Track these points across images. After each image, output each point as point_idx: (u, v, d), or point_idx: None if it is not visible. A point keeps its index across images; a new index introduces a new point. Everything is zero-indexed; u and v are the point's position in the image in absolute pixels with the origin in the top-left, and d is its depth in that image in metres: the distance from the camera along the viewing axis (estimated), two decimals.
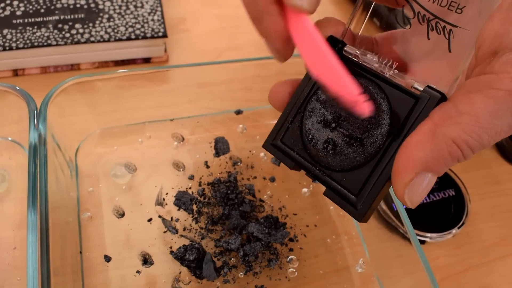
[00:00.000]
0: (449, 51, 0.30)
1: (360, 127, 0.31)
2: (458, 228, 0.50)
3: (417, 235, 0.48)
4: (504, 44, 0.26)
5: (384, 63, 0.32)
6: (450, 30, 0.30)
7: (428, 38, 0.31)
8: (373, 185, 0.31)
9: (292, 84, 0.35)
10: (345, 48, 0.33)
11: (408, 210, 0.50)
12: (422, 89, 0.29)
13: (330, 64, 0.30)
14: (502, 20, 0.27)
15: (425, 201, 0.52)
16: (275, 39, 0.32)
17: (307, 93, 0.34)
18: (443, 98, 0.29)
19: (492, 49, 0.27)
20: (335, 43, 0.33)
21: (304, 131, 0.34)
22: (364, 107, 0.29)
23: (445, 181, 0.53)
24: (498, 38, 0.27)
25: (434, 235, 0.49)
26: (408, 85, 0.30)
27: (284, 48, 0.33)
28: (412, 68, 0.33)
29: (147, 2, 0.60)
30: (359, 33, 0.34)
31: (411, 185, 0.28)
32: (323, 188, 0.33)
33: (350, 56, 0.33)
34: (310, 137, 0.33)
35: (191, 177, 0.49)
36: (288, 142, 0.35)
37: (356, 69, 0.32)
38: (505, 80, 0.26)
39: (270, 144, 0.36)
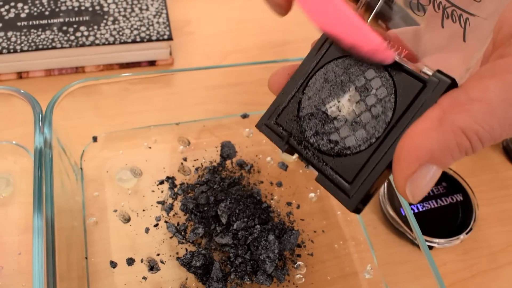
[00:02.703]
0: (464, 40, 0.29)
1: (361, 110, 0.30)
2: (466, 233, 0.49)
3: (425, 240, 0.48)
4: None
5: (393, 48, 0.30)
6: (467, 18, 0.28)
7: (442, 26, 0.30)
8: (370, 172, 0.28)
9: (293, 68, 0.34)
10: None
11: (415, 215, 0.50)
12: (431, 73, 0.27)
13: (343, 12, 0.28)
14: None
15: (432, 206, 0.51)
16: None
17: (306, 74, 0.33)
18: (453, 83, 0.27)
19: (509, 32, 0.25)
20: None
21: (300, 112, 0.32)
22: (387, 54, 0.27)
23: (453, 186, 0.53)
24: None
25: (441, 240, 0.48)
26: (417, 69, 0.28)
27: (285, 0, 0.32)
28: (423, 61, 0.31)
29: (152, 5, 0.59)
30: None
31: (414, 177, 0.25)
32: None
33: None
34: (306, 118, 0.32)
35: (198, 182, 0.49)
36: (283, 123, 0.33)
37: None
38: None
39: (263, 124, 0.34)
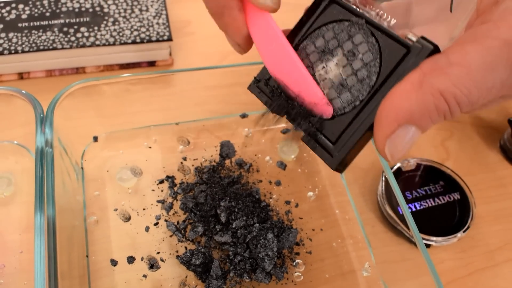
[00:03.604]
0: (451, 11, 0.29)
1: (347, 74, 0.31)
2: (463, 231, 0.50)
3: (422, 239, 0.48)
4: None
5: (383, 17, 0.31)
6: None
7: (451, 11, 0.30)
8: (353, 133, 0.30)
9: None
10: None
11: (413, 214, 0.50)
12: (415, 39, 0.28)
13: (292, 64, 0.30)
14: None
15: (430, 205, 0.52)
16: (235, 34, 0.32)
17: (298, 38, 0.34)
18: (436, 49, 0.27)
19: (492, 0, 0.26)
20: None
21: None
22: (326, 109, 0.29)
23: (450, 185, 0.53)
24: None
25: (439, 238, 0.49)
26: (402, 35, 0.29)
27: (244, 42, 0.33)
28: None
29: (152, 6, 0.60)
30: None
31: (393, 137, 0.26)
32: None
33: (348, 3, 0.32)
34: None
35: (197, 181, 0.49)
36: (273, 85, 0.34)
37: (350, 12, 0.32)
38: (502, 28, 0.24)
39: (255, 86, 0.36)
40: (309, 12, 0.34)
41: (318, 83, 0.32)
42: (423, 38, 0.28)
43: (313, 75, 0.32)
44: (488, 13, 0.25)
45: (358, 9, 0.32)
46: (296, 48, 0.34)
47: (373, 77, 0.30)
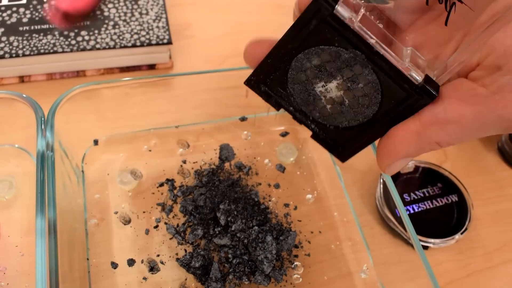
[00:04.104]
0: (445, 24, 0.30)
1: (349, 98, 0.32)
2: (461, 233, 0.50)
3: (420, 240, 0.49)
4: (510, 65, 0.27)
5: (383, 46, 0.29)
6: (454, 3, 0.29)
7: (427, 4, 0.30)
8: (358, 144, 0.34)
9: (269, 46, 0.33)
10: (338, 8, 0.28)
11: (411, 216, 0.50)
12: (419, 80, 0.29)
13: None
14: None
15: (428, 207, 0.52)
16: None
17: (292, 50, 0.32)
18: (433, 98, 0.29)
19: (497, 63, 0.28)
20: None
21: (288, 84, 0.33)
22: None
23: (448, 187, 0.54)
24: (507, 56, 0.27)
25: (437, 240, 0.49)
26: (405, 69, 0.29)
27: None
28: (406, 33, 0.32)
29: (152, 9, 0.60)
30: None
31: (391, 165, 0.32)
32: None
33: (343, 20, 0.29)
34: (295, 90, 0.33)
35: (197, 184, 0.50)
36: (272, 89, 0.35)
37: (345, 40, 0.30)
38: (500, 104, 0.27)
39: (255, 85, 0.35)
40: (298, 26, 0.31)
41: (320, 98, 0.33)
42: (425, 81, 0.29)
43: (313, 89, 0.33)
44: (489, 74, 0.28)
45: (353, 34, 0.29)
46: (290, 60, 0.32)
47: (375, 107, 0.31)
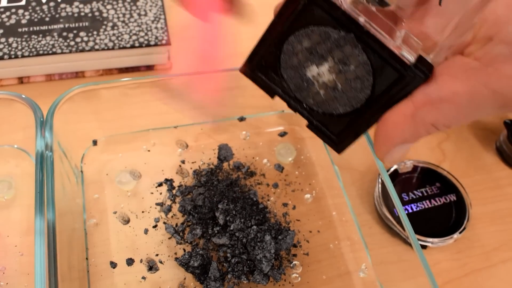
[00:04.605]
0: (440, 4, 0.29)
1: (341, 81, 0.31)
2: (460, 233, 0.50)
3: (419, 240, 0.49)
4: (501, 35, 0.26)
5: (372, 25, 0.29)
6: None
7: None
8: (354, 132, 0.33)
9: None
10: None
11: (409, 215, 0.51)
12: (411, 59, 0.28)
13: None
14: (506, 7, 0.26)
15: (426, 207, 0.52)
16: None
17: (282, 33, 0.32)
18: (429, 74, 0.28)
19: (489, 34, 0.27)
20: None
21: (281, 69, 0.33)
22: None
23: (446, 187, 0.54)
24: (497, 25, 0.26)
25: (435, 240, 0.49)
26: (397, 48, 0.29)
27: None
28: (398, 15, 0.32)
29: (150, 10, 0.60)
30: None
31: (390, 153, 0.30)
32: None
33: (336, 2, 0.29)
34: (289, 76, 0.33)
35: (195, 184, 0.50)
36: (266, 75, 0.34)
37: (334, 20, 0.29)
38: (492, 78, 0.26)
39: (250, 71, 0.34)
40: (287, 7, 0.31)
41: (313, 83, 0.32)
42: (418, 60, 0.28)
43: (305, 74, 0.32)
44: (482, 46, 0.27)
45: (342, 13, 0.29)
46: (281, 43, 0.32)
47: (368, 90, 0.31)
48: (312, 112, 0.34)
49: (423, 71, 0.28)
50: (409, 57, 0.29)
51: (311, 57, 0.31)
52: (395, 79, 0.29)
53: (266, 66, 0.34)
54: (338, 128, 0.34)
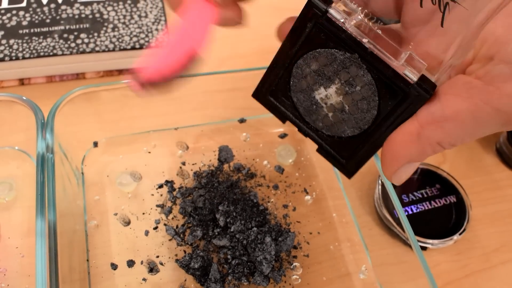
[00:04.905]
0: (442, 25, 0.29)
1: (349, 103, 0.32)
2: (460, 234, 0.50)
3: (419, 241, 0.49)
4: (501, 54, 0.26)
5: (376, 46, 0.30)
6: (447, 3, 0.29)
7: (421, 6, 0.30)
8: (362, 155, 0.34)
9: None
10: (330, 11, 0.30)
11: (409, 217, 0.51)
12: (414, 79, 0.29)
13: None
14: (505, 27, 0.27)
15: (426, 208, 0.52)
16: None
17: (290, 57, 0.33)
18: (430, 95, 0.29)
19: (489, 53, 0.27)
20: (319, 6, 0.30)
21: (291, 92, 0.34)
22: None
23: (446, 188, 0.54)
24: (497, 45, 0.27)
25: (435, 241, 0.49)
26: (400, 67, 0.29)
27: None
28: (403, 36, 0.32)
29: (151, 12, 0.61)
30: None
31: (398, 172, 0.31)
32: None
33: (336, 22, 0.30)
34: (299, 100, 0.34)
35: (196, 185, 0.50)
36: (277, 99, 0.36)
37: (339, 40, 0.30)
38: (494, 96, 0.26)
39: (262, 96, 0.36)
40: (295, 31, 0.32)
41: (321, 106, 0.33)
42: (420, 80, 0.29)
43: (314, 97, 0.33)
44: (483, 65, 0.27)
45: (346, 35, 0.30)
46: (291, 67, 0.33)
47: (374, 111, 0.31)
48: (321, 136, 0.35)
49: (426, 89, 0.29)
50: (412, 76, 0.29)
51: (319, 79, 0.32)
52: (399, 99, 0.30)
53: (277, 90, 0.35)
54: (347, 151, 0.34)
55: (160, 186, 0.50)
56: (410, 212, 0.51)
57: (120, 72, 0.59)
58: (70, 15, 0.59)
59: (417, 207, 0.52)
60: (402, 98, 0.30)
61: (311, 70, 0.32)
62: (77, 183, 0.48)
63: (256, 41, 0.64)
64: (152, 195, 0.49)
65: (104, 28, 0.58)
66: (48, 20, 0.58)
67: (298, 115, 0.35)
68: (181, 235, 0.47)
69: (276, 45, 0.35)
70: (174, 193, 0.50)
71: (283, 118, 0.36)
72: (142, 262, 0.45)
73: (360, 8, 0.31)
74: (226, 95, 0.55)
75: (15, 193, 0.48)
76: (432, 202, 0.53)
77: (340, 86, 0.32)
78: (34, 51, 0.55)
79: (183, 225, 0.47)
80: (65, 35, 0.57)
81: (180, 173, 0.51)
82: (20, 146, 0.50)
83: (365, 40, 0.30)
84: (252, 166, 0.53)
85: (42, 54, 0.55)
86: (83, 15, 0.59)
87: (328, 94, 0.32)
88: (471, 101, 0.27)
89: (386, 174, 0.31)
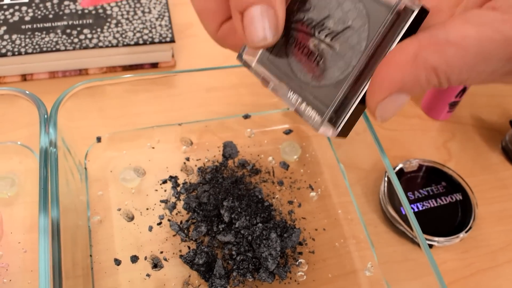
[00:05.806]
0: None
1: (341, 41, 0.30)
2: (466, 232, 0.50)
3: (425, 239, 0.48)
4: None
5: None
6: None
7: None
8: (351, 99, 0.30)
9: None
10: None
11: (415, 214, 0.50)
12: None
13: None
14: None
15: (432, 206, 0.52)
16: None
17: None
18: (424, 11, 0.27)
19: None
20: None
21: (284, 41, 0.33)
22: None
23: (452, 186, 0.53)
24: None
25: (441, 239, 0.49)
26: None
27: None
28: None
29: (154, 8, 0.60)
30: None
31: (384, 102, 0.27)
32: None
33: None
34: (290, 50, 0.32)
35: (200, 181, 0.50)
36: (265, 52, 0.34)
37: None
38: (508, 24, 0.25)
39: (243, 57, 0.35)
40: None
41: (315, 53, 0.31)
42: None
43: (309, 45, 0.32)
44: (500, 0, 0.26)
45: None
46: (291, 13, 0.32)
47: (363, 42, 0.29)
48: (307, 86, 0.32)
49: (418, 5, 0.27)
50: None
51: (313, 23, 0.31)
52: (391, 20, 0.28)
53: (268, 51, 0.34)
54: (336, 99, 0.30)
55: (164, 182, 0.50)
56: (416, 210, 0.51)
57: (124, 68, 0.59)
58: (73, 11, 0.58)
59: (423, 205, 0.52)
60: (392, 21, 0.28)
61: (306, 15, 0.32)
62: (80, 178, 0.48)
63: None
64: (156, 190, 0.49)
65: (107, 24, 0.58)
66: (51, 16, 0.58)
67: (288, 72, 0.33)
68: (185, 231, 0.46)
69: None
70: (178, 188, 0.49)
71: (265, 82, 0.34)
72: (146, 258, 0.45)
73: None
74: (231, 91, 0.55)
75: (17, 189, 0.47)
76: (438, 199, 0.52)
77: (334, 25, 0.30)
78: (36, 47, 0.55)
79: (187, 221, 0.47)
80: (68, 31, 0.57)
81: (184, 168, 0.51)
82: (22, 141, 0.50)
83: None
84: (256, 162, 0.52)
85: (44, 49, 0.55)
86: (86, 11, 0.59)
87: (322, 37, 0.31)
88: (480, 29, 0.25)
89: (371, 104, 0.28)
